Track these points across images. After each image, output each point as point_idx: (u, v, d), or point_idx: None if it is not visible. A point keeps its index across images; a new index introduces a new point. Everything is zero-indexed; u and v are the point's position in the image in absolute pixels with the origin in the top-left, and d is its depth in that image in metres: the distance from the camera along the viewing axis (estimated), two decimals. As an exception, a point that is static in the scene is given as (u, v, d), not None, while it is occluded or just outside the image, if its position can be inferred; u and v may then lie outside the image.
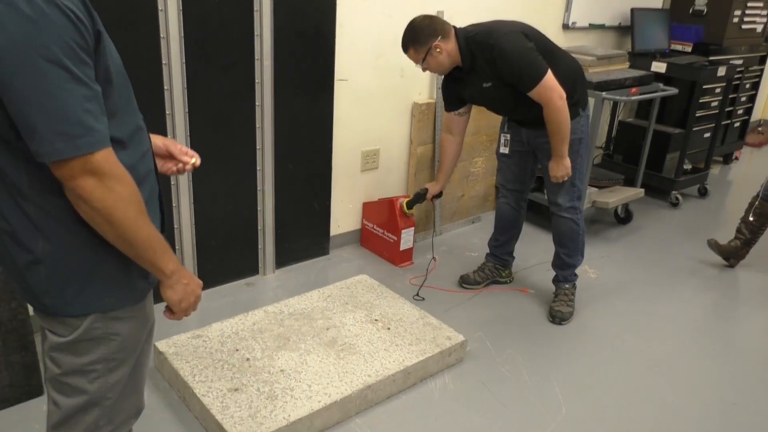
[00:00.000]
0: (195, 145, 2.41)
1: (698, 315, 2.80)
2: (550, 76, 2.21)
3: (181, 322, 2.31)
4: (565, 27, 3.71)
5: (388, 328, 2.33)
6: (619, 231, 3.64)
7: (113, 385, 1.18)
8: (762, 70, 4.91)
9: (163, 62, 2.24)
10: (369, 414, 2.03)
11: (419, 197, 2.76)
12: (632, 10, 3.86)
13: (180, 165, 1.35)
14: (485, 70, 2.29)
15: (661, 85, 3.53)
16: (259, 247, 2.79)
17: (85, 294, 1.08)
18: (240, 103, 2.50)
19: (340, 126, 2.88)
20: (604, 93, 3.14)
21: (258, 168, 2.65)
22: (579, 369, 2.34)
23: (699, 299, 2.94)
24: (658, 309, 2.81)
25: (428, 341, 2.27)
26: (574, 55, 3.31)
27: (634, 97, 3.29)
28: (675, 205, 4.04)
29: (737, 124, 4.98)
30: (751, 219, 3.06)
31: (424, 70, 2.38)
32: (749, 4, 4.18)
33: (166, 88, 2.28)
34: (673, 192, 4.02)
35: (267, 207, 2.73)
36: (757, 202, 3.05)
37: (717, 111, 4.32)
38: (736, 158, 5.22)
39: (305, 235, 2.96)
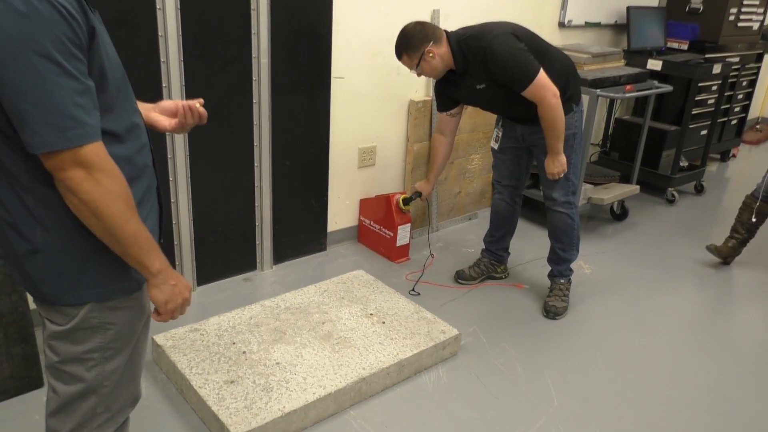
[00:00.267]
0: (193, 141, 2.45)
1: (691, 310, 2.83)
2: (542, 75, 2.24)
3: (177, 317, 2.36)
4: (561, 25, 3.74)
5: (383, 322, 2.37)
6: (614, 227, 3.67)
7: (110, 373, 1.21)
8: (759, 68, 4.93)
9: (162, 60, 2.28)
10: (363, 406, 2.06)
11: (413, 198, 2.85)
12: (628, 8, 3.88)
13: (186, 109, 1.36)
14: (478, 72, 2.32)
15: (655, 83, 3.56)
16: (257, 242, 2.83)
17: (81, 284, 1.11)
18: (237, 101, 2.53)
19: (336, 123, 2.91)
20: (598, 90, 3.17)
21: (255, 164, 2.69)
22: (572, 362, 2.37)
23: (693, 295, 2.97)
24: (651, 304, 2.84)
25: (423, 335, 2.30)
26: (569, 53, 3.34)
27: (628, 95, 3.32)
28: (671, 201, 4.06)
29: (734, 122, 5.00)
30: (753, 220, 3.04)
31: (418, 75, 2.41)
32: (745, 2, 4.20)
33: (164, 85, 2.31)
34: (669, 189, 4.04)
35: (264, 203, 2.76)
36: (757, 204, 3.02)
37: (713, 108, 4.34)
38: (734, 155, 5.25)
39: (303, 231, 2.99)
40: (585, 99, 3.29)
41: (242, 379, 1.98)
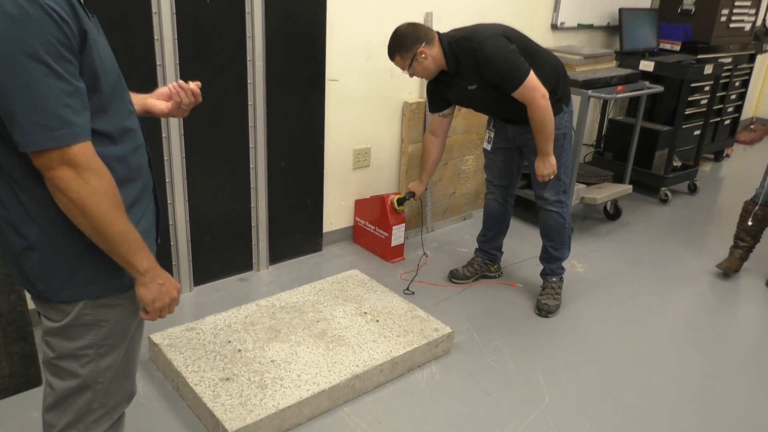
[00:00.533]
0: (189, 144, 2.48)
1: (682, 307, 2.87)
2: (532, 77, 2.28)
3: (175, 316, 2.38)
4: (554, 27, 3.78)
5: (377, 321, 2.40)
6: (608, 227, 3.71)
7: (104, 369, 1.23)
8: (751, 68, 4.97)
9: (158, 63, 2.31)
10: (357, 403, 2.09)
11: (406, 199, 2.88)
12: (620, 9, 3.92)
13: (177, 89, 1.40)
14: (470, 73, 2.36)
15: (647, 83, 3.60)
16: (253, 243, 2.86)
17: (74, 281, 1.14)
18: (233, 103, 2.57)
19: (331, 125, 2.95)
20: (590, 91, 3.21)
21: (251, 166, 2.72)
22: (563, 359, 2.41)
23: (684, 292, 3.00)
24: (643, 302, 2.87)
25: (416, 333, 2.33)
26: (561, 55, 3.39)
27: (619, 95, 3.36)
28: (664, 201, 4.10)
29: (727, 122, 5.04)
30: (750, 224, 2.99)
31: (411, 75, 2.44)
32: (737, 3, 4.24)
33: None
34: (663, 188, 4.08)
35: (260, 204, 2.80)
36: (757, 209, 2.98)
37: (706, 109, 4.38)
38: (728, 155, 5.28)
39: (298, 231, 3.03)
40: (576, 100, 3.34)
41: (237, 377, 2.02)
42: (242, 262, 2.87)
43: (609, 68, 3.59)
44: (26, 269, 1.13)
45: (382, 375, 2.18)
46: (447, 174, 3.44)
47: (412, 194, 2.83)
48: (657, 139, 4.10)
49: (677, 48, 4.23)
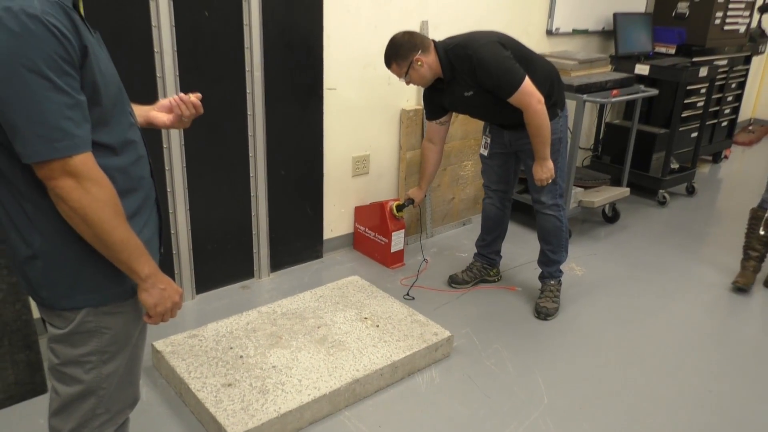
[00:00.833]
0: (190, 153, 2.53)
1: (681, 309, 2.88)
2: (527, 82, 2.31)
3: (177, 323, 2.43)
4: (549, 33, 3.82)
5: (377, 326, 2.43)
6: (606, 230, 3.73)
7: (108, 375, 1.26)
8: (747, 70, 5.01)
9: (158, 75, 2.36)
10: (358, 407, 2.12)
11: (405, 205, 2.91)
12: (615, 14, 3.97)
13: (178, 101, 1.43)
14: (466, 80, 2.39)
15: (642, 87, 3.63)
16: (254, 251, 2.90)
17: (77, 289, 1.17)
18: (232, 113, 2.61)
19: (330, 133, 2.99)
20: (585, 95, 3.24)
21: (251, 175, 2.76)
22: (562, 361, 2.43)
23: (682, 294, 3.02)
24: (641, 304, 2.89)
25: (415, 337, 2.36)
26: (556, 60, 3.43)
27: (614, 99, 3.39)
28: (662, 203, 4.12)
29: (725, 124, 5.07)
30: (762, 233, 2.92)
31: (407, 83, 2.48)
32: (730, 6, 4.28)
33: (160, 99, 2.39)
34: (661, 191, 4.11)
35: (261, 212, 2.83)
36: (766, 215, 2.92)
37: (702, 111, 4.41)
38: (726, 157, 5.31)
39: (299, 239, 3.06)
40: (572, 104, 3.37)
41: (239, 382, 2.04)
42: (243, 270, 2.90)
43: (604, 73, 3.62)
44: (30, 277, 1.17)
45: (383, 379, 2.20)
46: (445, 180, 3.47)
47: (411, 201, 2.87)
48: (654, 141, 4.13)
49: (672, 51, 4.27)
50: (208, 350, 2.21)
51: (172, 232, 2.59)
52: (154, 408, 2.05)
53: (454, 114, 2.71)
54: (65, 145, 1.02)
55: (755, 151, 5.68)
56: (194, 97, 1.46)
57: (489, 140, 2.68)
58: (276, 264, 3.00)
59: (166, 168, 2.48)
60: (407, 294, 2.85)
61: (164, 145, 2.45)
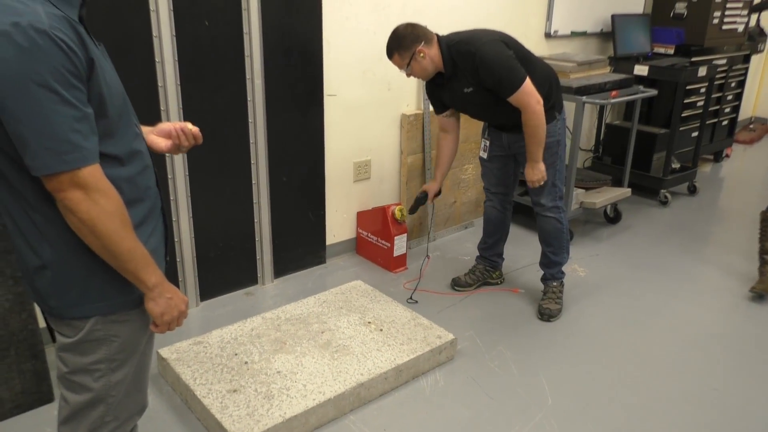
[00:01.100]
0: (192, 161, 2.55)
1: (684, 309, 2.88)
2: (528, 83, 2.33)
3: (182, 330, 2.44)
4: (548, 36, 3.84)
5: (381, 330, 2.44)
6: (608, 230, 3.74)
7: (116, 383, 1.27)
8: (746, 69, 5.01)
9: (159, 85, 2.38)
10: (363, 410, 2.13)
11: (420, 201, 2.76)
12: (613, 16, 3.98)
13: (178, 131, 1.43)
14: (466, 77, 2.39)
15: (641, 87, 3.64)
16: (257, 257, 2.91)
17: (86, 298, 1.18)
18: (234, 121, 2.63)
19: (331, 139, 3.01)
20: (584, 97, 3.25)
21: (253, 181, 2.78)
22: (566, 362, 2.43)
23: (685, 293, 3.02)
24: (644, 304, 2.90)
25: (419, 340, 2.37)
26: (555, 62, 3.45)
27: (613, 100, 3.40)
28: (664, 203, 4.13)
29: (725, 122, 5.07)
30: None
31: (408, 75, 2.47)
32: (728, 5, 4.29)
33: (162, 109, 2.41)
34: (662, 191, 4.11)
35: (263, 219, 2.85)
36: None
37: (702, 110, 4.42)
38: (727, 155, 5.31)
39: (302, 244, 3.07)
40: (572, 106, 3.39)
41: (244, 388, 2.06)
42: (247, 277, 2.92)
43: (603, 74, 3.64)
44: (39, 287, 1.18)
45: (387, 383, 2.21)
46: (447, 184, 3.49)
47: (424, 194, 2.74)
48: (654, 141, 4.14)
49: (671, 51, 4.28)
50: (213, 357, 2.22)
51: (176, 240, 2.60)
52: (160, 415, 2.06)
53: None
54: (74, 158, 1.03)
55: (756, 150, 5.68)
56: (195, 129, 1.46)
57: (488, 143, 2.69)
58: (279, 270, 3.02)
59: (169, 176, 2.50)
60: (410, 298, 2.86)
61: (167, 154, 2.47)
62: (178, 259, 2.64)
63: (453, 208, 3.59)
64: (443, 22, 3.24)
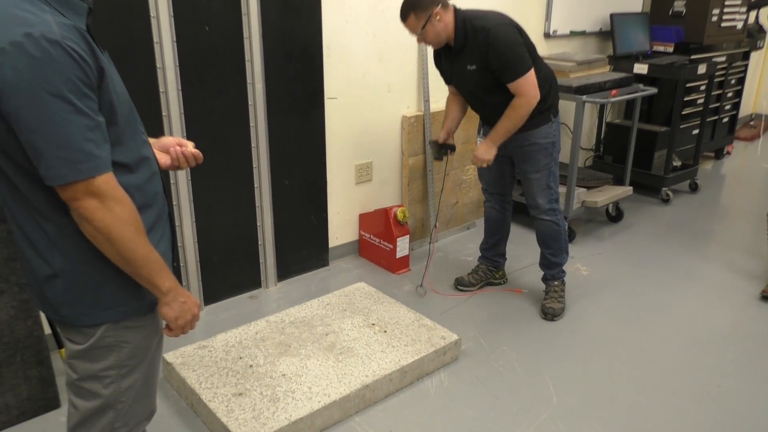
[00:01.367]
0: (195, 166, 2.55)
1: (687, 306, 2.89)
2: (531, 74, 2.34)
3: (187, 335, 2.44)
4: (547, 36, 3.85)
5: (385, 331, 2.44)
6: (610, 229, 3.74)
7: (126, 389, 1.27)
8: (746, 66, 5.01)
9: (161, 90, 2.39)
10: (368, 412, 2.13)
11: (435, 146, 2.72)
12: (611, 15, 3.99)
13: (179, 154, 1.43)
14: (473, 53, 2.37)
15: (641, 86, 3.65)
16: (261, 261, 2.92)
17: (98, 305, 1.19)
18: (235, 125, 2.64)
19: (332, 142, 3.01)
20: (584, 96, 3.26)
21: (255, 185, 2.79)
22: (570, 361, 2.43)
23: (688, 291, 3.02)
24: (647, 302, 2.90)
25: (423, 341, 2.37)
26: (554, 62, 3.46)
27: (613, 99, 3.41)
28: (666, 201, 4.13)
29: (726, 120, 5.07)
30: None
31: (419, 41, 2.43)
32: (727, 3, 4.30)
33: (164, 114, 2.42)
34: (664, 189, 4.11)
35: (266, 222, 2.86)
36: None
37: (702, 108, 4.42)
38: (728, 153, 5.31)
39: (305, 247, 3.08)
40: (572, 105, 3.40)
41: (250, 391, 2.06)
42: (251, 280, 2.92)
43: (603, 73, 3.64)
44: (49, 296, 1.18)
45: (392, 384, 2.21)
46: (449, 184, 3.49)
47: (434, 143, 2.71)
48: (655, 140, 4.14)
49: (670, 50, 4.29)
50: (218, 360, 2.23)
51: (179, 244, 2.61)
52: (166, 419, 2.07)
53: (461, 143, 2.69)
54: (88, 167, 1.04)
55: (757, 147, 5.68)
56: (195, 151, 1.46)
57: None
58: (282, 273, 3.02)
59: (172, 181, 2.51)
60: (420, 285, 2.85)
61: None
62: (181, 264, 2.64)
63: (455, 208, 3.60)
64: (442, 24, 3.25)
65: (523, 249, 3.35)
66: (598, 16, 4.15)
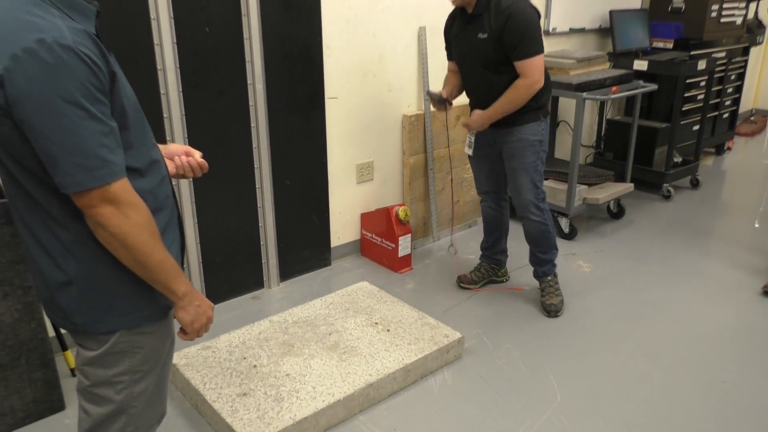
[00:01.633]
0: (200, 176, 2.55)
1: (689, 302, 2.89)
2: (541, 58, 2.35)
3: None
4: (546, 33, 3.84)
5: (388, 330, 2.44)
6: (612, 226, 3.74)
7: (138, 394, 1.27)
8: (746, 61, 5.01)
9: (162, 92, 2.39)
10: (372, 411, 2.13)
11: (435, 95, 2.69)
12: (611, 12, 3.99)
13: (185, 164, 1.43)
14: (489, 22, 2.35)
15: (641, 83, 3.65)
16: (263, 261, 2.92)
17: (113, 311, 1.18)
18: (236, 126, 2.64)
19: (333, 142, 3.02)
20: (584, 93, 3.26)
21: (257, 186, 2.79)
22: (573, 358, 2.44)
23: (690, 286, 3.02)
24: (650, 298, 2.90)
25: (426, 340, 2.37)
26: (554, 59, 3.46)
27: (613, 96, 3.41)
28: (667, 197, 4.13)
29: (726, 115, 5.07)
30: None
31: None
32: (726, -2, 4.30)
33: (165, 116, 2.42)
34: (665, 185, 4.11)
35: (268, 222, 2.86)
36: None
37: (702, 104, 4.42)
38: (729, 148, 5.31)
39: (307, 247, 3.09)
40: (572, 102, 3.40)
41: (254, 392, 2.06)
42: (253, 281, 2.93)
43: (603, 70, 3.64)
44: (62, 303, 1.16)
45: (396, 383, 2.22)
46: (450, 183, 3.49)
47: (429, 94, 2.73)
48: (656, 136, 4.14)
49: (670, 46, 4.29)
50: (222, 361, 2.23)
51: (182, 245, 2.62)
52: (171, 420, 2.07)
53: (455, 117, 2.71)
54: (104, 173, 1.03)
55: (758, 142, 5.67)
56: (201, 161, 1.46)
57: (473, 138, 2.68)
58: (285, 273, 3.03)
59: (174, 182, 2.52)
60: (451, 245, 2.83)
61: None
62: (184, 265, 2.64)
63: (456, 207, 3.60)
64: (442, 24, 3.24)
65: (524, 246, 3.32)
66: (597, 13, 4.15)
